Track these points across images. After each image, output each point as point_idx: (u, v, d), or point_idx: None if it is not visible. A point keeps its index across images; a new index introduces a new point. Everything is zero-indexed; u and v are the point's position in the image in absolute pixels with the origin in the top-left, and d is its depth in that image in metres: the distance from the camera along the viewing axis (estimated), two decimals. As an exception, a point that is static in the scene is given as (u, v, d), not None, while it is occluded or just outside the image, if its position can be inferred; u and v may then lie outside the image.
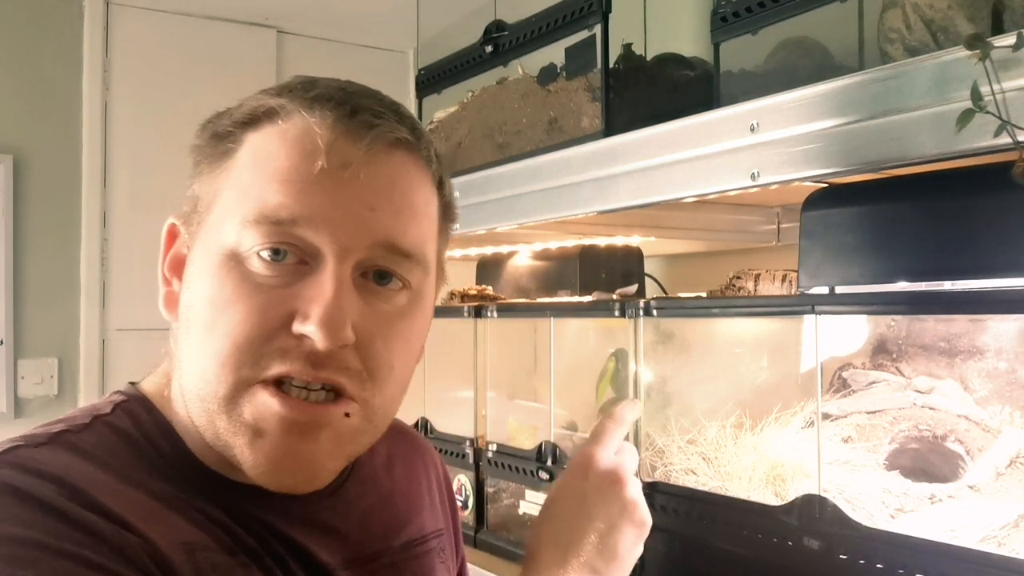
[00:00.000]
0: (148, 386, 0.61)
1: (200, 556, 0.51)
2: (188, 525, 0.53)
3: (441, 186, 0.62)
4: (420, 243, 0.58)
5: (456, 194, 1.42)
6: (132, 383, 0.62)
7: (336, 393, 0.54)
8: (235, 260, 0.53)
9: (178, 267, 0.59)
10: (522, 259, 1.76)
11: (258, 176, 0.54)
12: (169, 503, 0.53)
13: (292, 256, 0.53)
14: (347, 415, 0.54)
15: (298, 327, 0.52)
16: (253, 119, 0.56)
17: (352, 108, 0.55)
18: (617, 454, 0.71)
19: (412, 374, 0.61)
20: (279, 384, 0.53)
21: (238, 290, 0.52)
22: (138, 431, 0.57)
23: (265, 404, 0.52)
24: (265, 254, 0.53)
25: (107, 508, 0.49)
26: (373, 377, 0.55)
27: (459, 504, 1.41)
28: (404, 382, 0.60)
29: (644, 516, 0.68)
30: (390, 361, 0.56)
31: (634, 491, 0.68)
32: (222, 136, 0.57)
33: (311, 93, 0.56)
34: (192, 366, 0.54)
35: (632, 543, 0.67)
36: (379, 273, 0.56)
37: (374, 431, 0.58)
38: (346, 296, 0.53)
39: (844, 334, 1.10)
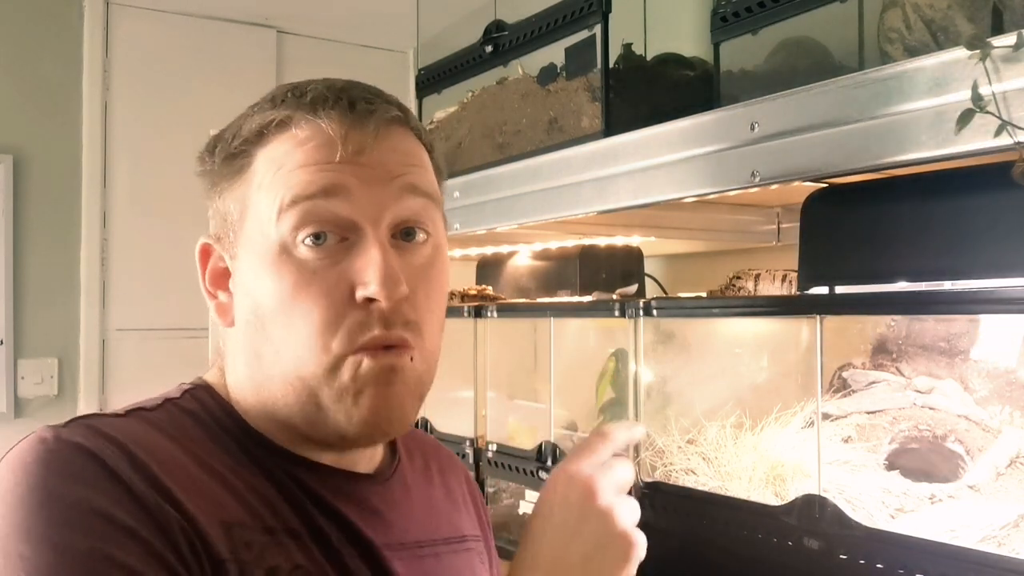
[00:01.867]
0: (210, 378, 0.68)
1: (236, 533, 0.57)
2: (233, 502, 0.58)
3: (431, 150, 0.69)
4: (434, 187, 0.66)
5: (456, 194, 1.43)
6: (199, 376, 0.69)
7: (401, 346, 0.61)
8: (285, 253, 0.60)
9: (219, 280, 0.66)
10: (522, 259, 1.76)
11: (281, 172, 0.60)
12: (221, 479, 0.59)
13: (332, 236, 0.60)
14: (411, 359, 0.61)
15: (361, 293, 0.59)
16: (262, 135, 0.62)
17: (349, 101, 0.62)
18: (599, 468, 0.69)
19: (444, 318, 0.69)
20: (375, 349, 0.60)
21: (299, 279, 0.59)
22: (204, 411, 0.64)
23: (361, 365, 0.59)
24: (308, 240, 0.59)
25: (161, 482, 0.54)
26: (422, 324, 0.62)
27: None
28: (442, 325, 0.67)
29: (623, 528, 0.65)
30: (430, 307, 0.64)
31: (607, 501, 0.66)
32: (235, 155, 0.63)
33: (307, 99, 0.62)
34: (279, 357, 0.61)
35: (616, 559, 0.64)
36: (405, 231, 0.63)
37: (430, 373, 0.65)
38: (391, 256, 0.60)
39: (844, 333, 1.10)
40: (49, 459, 0.53)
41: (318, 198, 0.59)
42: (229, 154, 0.63)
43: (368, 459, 0.68)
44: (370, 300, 0.59)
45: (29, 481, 0.52)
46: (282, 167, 0.60)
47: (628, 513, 0.67)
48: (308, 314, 0.59)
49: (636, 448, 1.11)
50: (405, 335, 0.61)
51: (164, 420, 0.61)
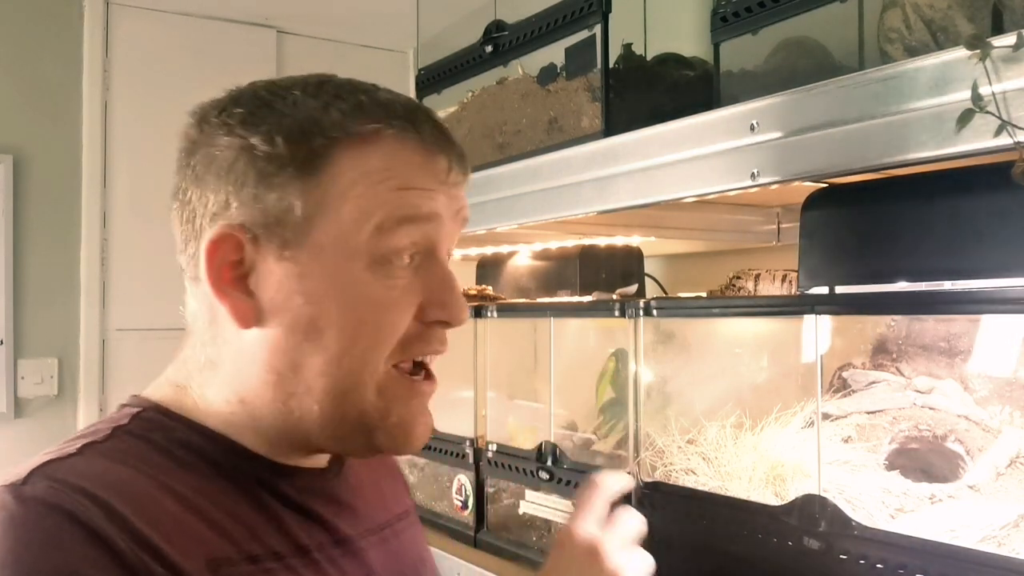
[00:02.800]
0: (155, 394, 0.63)
1: (224, 571, 0.54)
2: (214, 535, 0.55)
3: None
4: None
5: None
6: (134, 395, 0.64)
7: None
8: (379, 268, 0.58)
9: (235, 278, 0.59)
10: (522, 259, 1.76)
11: (384, 186, 0.58)
12: (197, 510, 0.56)
13: (417, 257, 0.61)
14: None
15: (436, 315, 0.61)
16: (351, 135, 0.58)
17: (433, 124, 0.62)
18: (605, 524, 0.71)
19: None
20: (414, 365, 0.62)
21: (387, 296, 0.59)
22: (161, 434, 0.60)
23: (415, 382, 0.62)
24: (405, 260, 0.59)
25: (139, 532, 0.51)
26: None
27: (459, 504, 1.41)
28: None
29: None
30: None
31: (614, 561, 0.68)
32: (310, 151, 0.57)
33: (397, 110, 0.60)
34: (330, 368, 0.58)
35: None
36: None
37: None
38: None
39: (844, 333, 1.10)
40: (15, 525, 0.49)
41: (422, 222, 0.59)
42: (307, 147, 0.57)
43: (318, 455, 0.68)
44: (444, 324, 0.62)
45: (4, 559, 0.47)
46: (385, 181, 0.58)
47: (637, 569, 0.69)
48: (383, 330, 0.59)
49: (636, 448, 1.11)
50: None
51: (121, 451, 0.57)
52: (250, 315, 0.58)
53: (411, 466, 1.56)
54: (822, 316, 0.90)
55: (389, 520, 0.72)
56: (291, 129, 0.57)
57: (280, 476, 0.62)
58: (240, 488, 0.59)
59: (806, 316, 0.92)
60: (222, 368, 0.61)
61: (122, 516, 0.51)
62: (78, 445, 0.56)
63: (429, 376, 0.63)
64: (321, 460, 0.67)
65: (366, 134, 0.58)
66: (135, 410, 0.61)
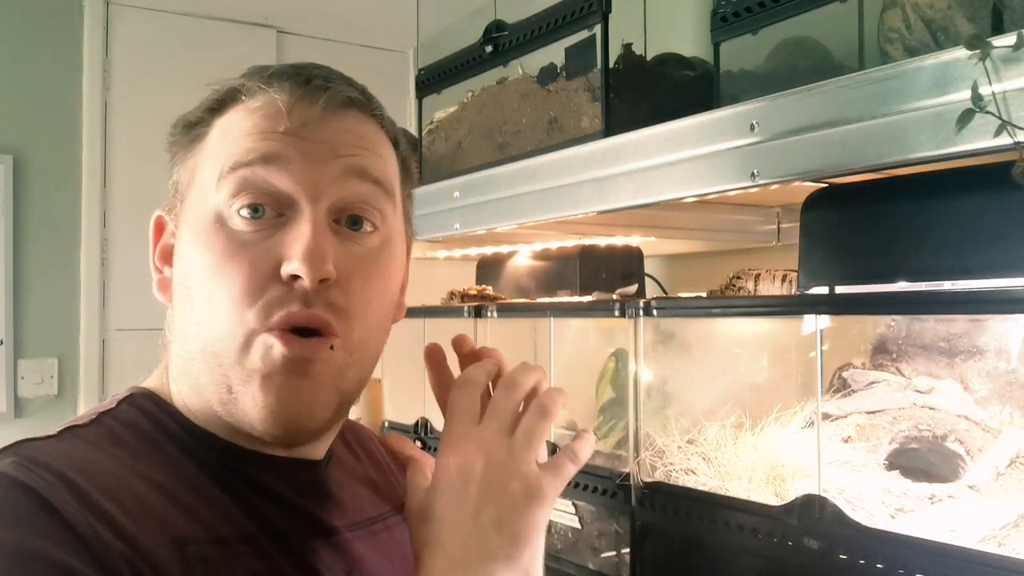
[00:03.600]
0: (150, 383, 0.65)
1: (190, 551, 0.54)
2: (182, 517, 0.55)
3: (397, 144, 0.67)
4: (386, 174, 0.63)
5: (456, 194, 1.43)
6: (137, 385, 0.66)
7: (322, 332, 0.59)
8: (219, 222, 0.58)
9: (168, 256, 0.63)
10: (522, 259, 1.76)
11: (227, 139, 0.60)
12: (167, 493, 0.56)
13: (270, 211, 0.58)
14: (332, 347, 0.59)
15: (284, 268, 0.57)
16: (219, 103, 0.62)
17: (306, 77, 0.61)
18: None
19: (390, 317, 0.66)
20: (286, 329, 0.57)
21: (227, 249, 0.57)
22: (145, 419, 0.61)
23: (271, 347, 0.57)
24: (245, 211, 0.58)
25: (101, 507, 0.51)
26: (353, 312, 0.60)
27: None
28: (381, 321, 0.64)
29: (525, 475, 0.58)
30: (367, 297, 0.61)
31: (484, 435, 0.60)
32: (193, 123, 0.63)
33: (267, 72, 0.62)
34: (199, 329, 0.58)
35: (523, 511, 0.57)
36: (351, 219, 0.61)
37: (358, 366, 0.62)
38: (323, 235, 0.58)
39: (844, 333, 1.10)
40: None
41: (256, 165, 0.58)
42: (188, 123, 0.63)
43: (323, 444, 0.66)
44: (294, 277, 0.56)
45: None
46: (228, 135, 0.60)
47: (527, 454, 0.59)
48: (230, 285, 0.57)
49: (636, 448, 1.11)
50: (327, 317, 0.57)
51: (100, 436, 0.58)
52: (165, 288, 0.63)
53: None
54: (822, 316, 0.90)
55: (381, 515, 0.71)
56: (192, 112, 0.63)
57: (258, 466, 0.61)
58: (214, 475, 0.59)
59: (806, 316, 0.92)
60: (171, 348, 0.63)
61: (82, 490, 0.51)
62: (59, 429, 0.58)
63: (283, 337, 0.56)
64: (312, 452, 0.65)
65: (232, 96, 0.61)
66: (124, 395, 0.63)
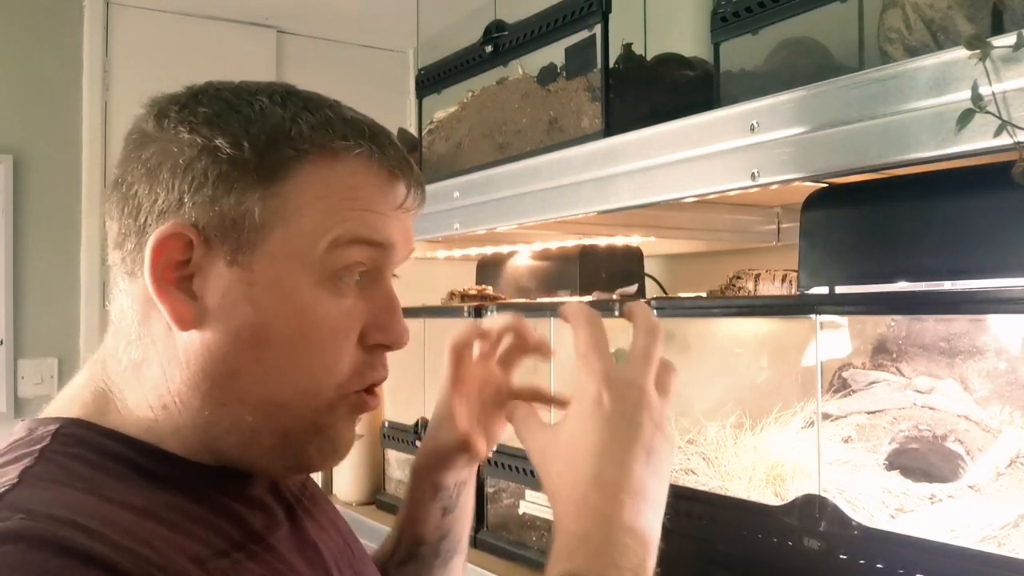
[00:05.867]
0: (72, 408, 0.59)
1: (210, 566, 0.53)
2: (182, 538, 0.53)
3: None
4: None
5: (456, 194, 1.43)
6: (40, 417, 0.60)
7: None
8: (329, 283, 0.58)
9: (179, 278, 0.57)
10: (522, 259, 1.76)
11: (346, 203, 0.59)
12: (157, 517, 0.53)
13: (363, 278, 0.61)
14: None
15: (381, 339, 0.61)
16: (315, 147, 0.58)
17: (396, 148, 0.62)
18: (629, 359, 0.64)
19: None
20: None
21: (331, 312, 0.58)
22: (92, 452, 0.56)
23: (364, 404, 0.62)
24: (351, 280, 0.59)
25: (124, 545, 0.48)
26: None
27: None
28: None
29: (661, 415, 0.61)
30: None
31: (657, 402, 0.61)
32: (276, 159, 0.57)
33: (364, 130, 0.60)
34: (271, 380, 0.58)
35: (667, 454, 0.60)
36: None
37: None
38: None
39: (844, 333, 1.10)
40: (7, 568, 0.44)
41: (375, 246, 0.60)
42: (273, 155, 0.56)
43: None
44: (382, 345, 0.61)
45: None
46: (347, 198, 0.58)
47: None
48: (334, 348, 0.59)
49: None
50: None
51: (59, 473, 0.53)
52: (189, 317, 0.56)
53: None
54: (822, 316, 0.90)
55: (307, 494, 0.72)
56: (258, 136, 0.57)
57: (215, 476, 0.60)
58: (181, 492, 0.57)
59: (806, 316, 0.92)
60: (147, 371, 0.58)
61: (100, 533, 0.48)
62: (13, 475, 0.51)
63: (371, 393, 0.63)
64: None
65: (333, 150, 0.58)
66: (52, 428, 0.56)
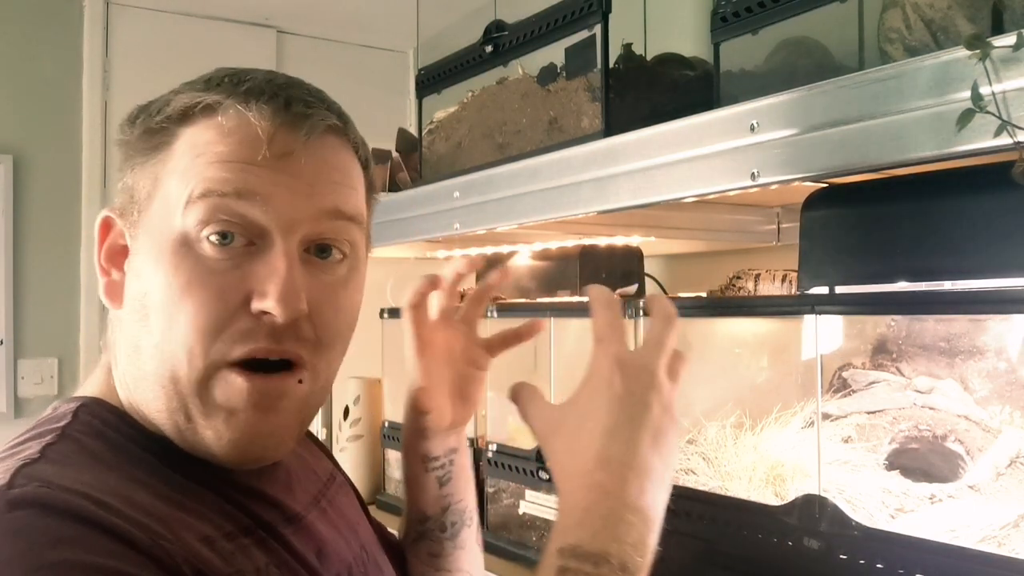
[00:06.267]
0: (94, 390, 0.62)
1: (218, 547, 0.54)
2: (192, 518, 0.54)
3: (367, 166, 0.66)
4: (359, 207, 0.63)
5: (456, 194, 1.43)
6: (76, 395, 0.63)
7: (291, 363, 0.58)
8: (186, 246, 0.56)
9: (116, 257, 0.61)
10: (522, 259, 1.76)
11: (199, 160, 0.57)
12: (169, 497, 0.55)
13: (240, 239, 0.57)
14: (300, 381, 0.58)
15: (257, 305, 0.56)
16: (187, 115, 0.58)
17: (286, 100, 0.58)
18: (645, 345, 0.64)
19: (351, 338, 0.65)
20: (244, 365, 0.56)
21: (194, 276, 0.56)
22: (109, 429, 0.58)
23: (235, 384, 0.56)
24: (214, 238, 0.56)
25: (138, 520, 0.50)
26: (323, 344, 0.59)
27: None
28: (346, 346, 0.64)
29: (669, 401, 0.61)
30: (337, 328, 0.61)
31: (667, 385, 0.61)
32: (155, 131, 0.59)
33: (242, 88, 0.59)
34: (156, 352, 0.57)
35: (672, 439, 0.60)
36: (319, 247, 0.60)
37: (321, 394, 0.62)
38: (296, 270, 0.57)
39: (844, 334, 1.10)
40: (15, 531, 0.46)
41: (230, 197, 0.55)
42: (149, 128, 0.59)
43: None
44: (265, 314, 0.55)
45: (14, 565, 0.44)
46: (201, 155, 0.57)
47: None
48: (196, 312, 0.55)
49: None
50: (300, 351, 0.57)
51: (78, 452, 0.55)
52: (116, 294, 0.60)
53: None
54: (822, 316, 0.90)
55: (321, 489, 0.72)
56: (148, 114, 0.60)
57: (225, 472, 0.60)
58: (194, 478, 0.58)
59: (806, 316, 0.92)
60: (115, 352, 0.61)
61: (116, 508, 0.49)
62: (35, 449, 0.54)
63: (247, 371, 0.56)
64: None
65: (205, 112, 0.58)
66: (73, 406, 0.59)
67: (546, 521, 1.26)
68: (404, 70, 2.81)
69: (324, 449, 0.83)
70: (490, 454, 1.35)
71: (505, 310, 1.41)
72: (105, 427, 0.58)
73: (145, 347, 0.57)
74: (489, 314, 1.40)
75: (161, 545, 0.49)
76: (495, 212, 1.31)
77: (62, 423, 0.57)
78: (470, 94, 1.50)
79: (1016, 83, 0.66)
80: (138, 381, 0.59)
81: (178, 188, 0.57)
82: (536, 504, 1.27)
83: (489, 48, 1.40)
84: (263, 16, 2.63)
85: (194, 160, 0.57)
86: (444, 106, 1.58)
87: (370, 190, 0.67)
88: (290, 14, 2.62)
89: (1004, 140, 0.66)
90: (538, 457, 1.25)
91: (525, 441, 1.34)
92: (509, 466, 1.31)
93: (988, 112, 0.66)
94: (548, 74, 1.32)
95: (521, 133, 1.35)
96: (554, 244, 1.67)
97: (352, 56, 2.78)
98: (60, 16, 2.40)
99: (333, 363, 0.62)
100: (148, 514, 0.51)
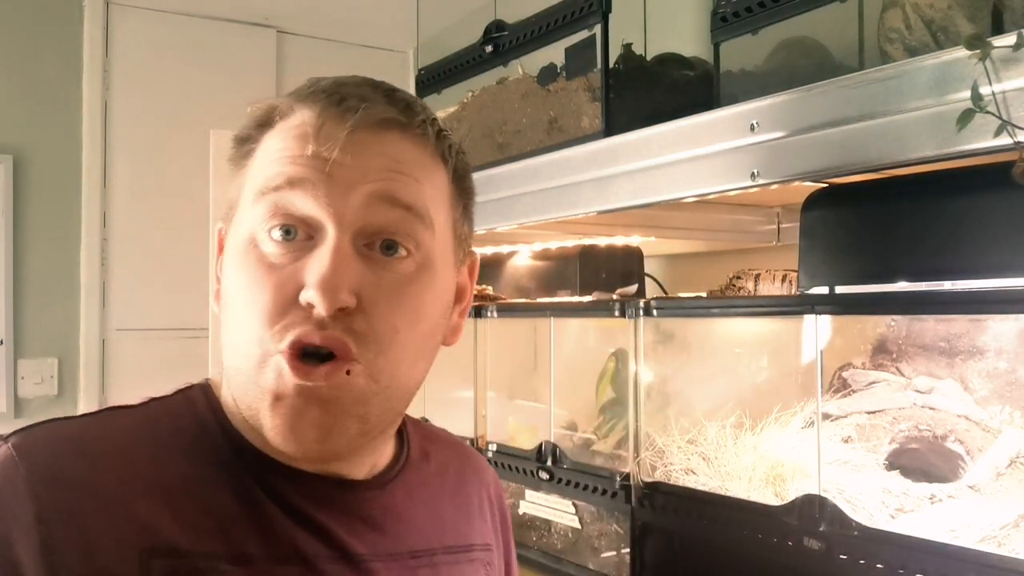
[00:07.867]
0: (214, 376, 0.67)
1: (155, 564, 0.54)
2: (171, 523, 0.55)
3: (446, 159, 0.64)
4: (420, 199, 0.61)
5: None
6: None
7: (339, 356, 0.57)
8: (252, 244, 0.59)
9: (220, 264, 0.65)
10: (522, 259, 1.76)
11: (265, 161, 0.60)
12: (166, 496, 0.56)
13: (301, 233, 0.58)
14: (348, 372, 0.57)
15: (302, 295, 0.56)
16: (266, 120, 0.62)
17: (340, 96, 0.60)
18: None
19: (427, 343, 0.63)
20: (296, 354, 0.57)
21: (257, 271, 0.58)
22: (189, 412, 0.62)
23: (282, 371, 0.56)
24: (277, 234, 0.58)
25: (75, 509, 0.54)
26: (377, 339, 0.58)
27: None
28: (414, 347, 0.61)
29: None
30: (394, 323, 0.59)
31: None
32: (244, 139, 0.63)
33: (309, 89, 0.61)
34: (229, 343, 0.60)
35: None
36: (386, 244, 0.59)
37: (385, 394, 0.60)
38: (344, 262, 0.57)
39: (844, 334, 1.10)
40: None
41: (284, 189, 0.57)
42: (239, 138, 0.63)
43: (361, 463, 0.64)
44: (310, 305, 0.56)
45: None
46: (268, 155, 0.60)
47: None
48: (255, 305, 0.57)
49: (636, 448, 1.11)
50: (347, 341, 0.56)
51: (133, 423, 0.61)
52: (216, 296, 0.64)
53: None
54: (822, 316, 0.90)
55: (431, 549, 0.67)
56: (243, 126, 0.64)
57: (286, 480, 0.60)
58: (232, 484, 0.58)
59: (806, 316, 0.92)
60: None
61: (100, 465, 0.56)
62: (106, 407, 0.62)
63: (296, 360, 0.56)
64: (363, 469, 0.65)
65: (280, 117, 0.61)
66: (186, 385, 0.65)
67: (546, 521, 1.26)
68: (404, 70, 2.80)
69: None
70: (490, 454, 1.35)
71: (505, 310, 1.41)
72: (186, 410, 0.63)
73: (226, 340, 0.61)
74: (489, 314, 1.40)
75: (57, 547, 0.53)
76: (495, 212, 1.31)
77: (159, 395, 0.63)
78: (470, 94, 1.50)
79: (1016, 83, 0.66)
80: (226, 374, 0.62)
81: (249, 190, 0.60)
82: (536, 504, 1.27)
83: (489, 48, 1.41)
84: (263, 16, 2.63)
85: (263, 161, 0.60)
86: (444, 106, 1.58)
87: (459, 188, 0.66)
88: (290, 14, 2.62)
89: (1004, 140, 0.66)
90: (538, 457, 1.25)
91: (525, 441, 1.34)
92: (509, 466, 1.31)
93: (988, 112, 0.66)
94: (548, 74, 1.32)
95: (521, 133, 1.35)
96: (554, 244, 1.67)
97: (352, 56, 2.78)
98: (60, 16, 2.39)
99: (400, 364, 0.60)
100: (90, 507, 0.55)
